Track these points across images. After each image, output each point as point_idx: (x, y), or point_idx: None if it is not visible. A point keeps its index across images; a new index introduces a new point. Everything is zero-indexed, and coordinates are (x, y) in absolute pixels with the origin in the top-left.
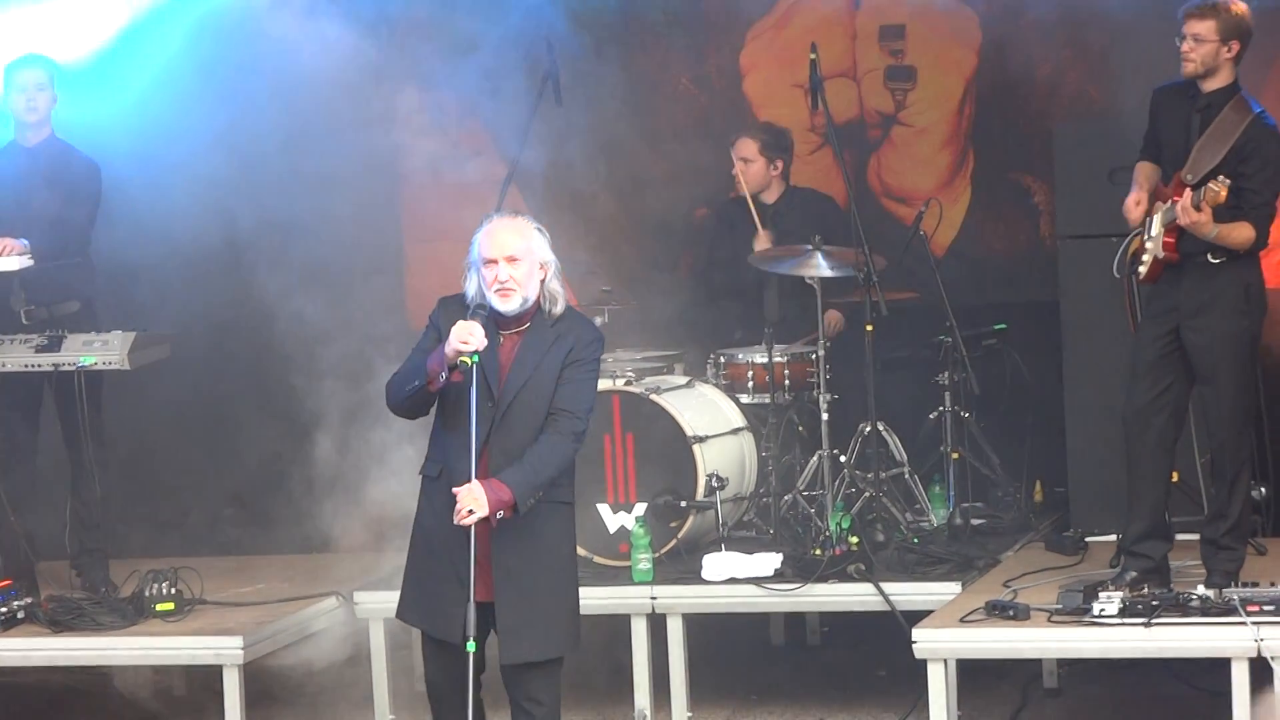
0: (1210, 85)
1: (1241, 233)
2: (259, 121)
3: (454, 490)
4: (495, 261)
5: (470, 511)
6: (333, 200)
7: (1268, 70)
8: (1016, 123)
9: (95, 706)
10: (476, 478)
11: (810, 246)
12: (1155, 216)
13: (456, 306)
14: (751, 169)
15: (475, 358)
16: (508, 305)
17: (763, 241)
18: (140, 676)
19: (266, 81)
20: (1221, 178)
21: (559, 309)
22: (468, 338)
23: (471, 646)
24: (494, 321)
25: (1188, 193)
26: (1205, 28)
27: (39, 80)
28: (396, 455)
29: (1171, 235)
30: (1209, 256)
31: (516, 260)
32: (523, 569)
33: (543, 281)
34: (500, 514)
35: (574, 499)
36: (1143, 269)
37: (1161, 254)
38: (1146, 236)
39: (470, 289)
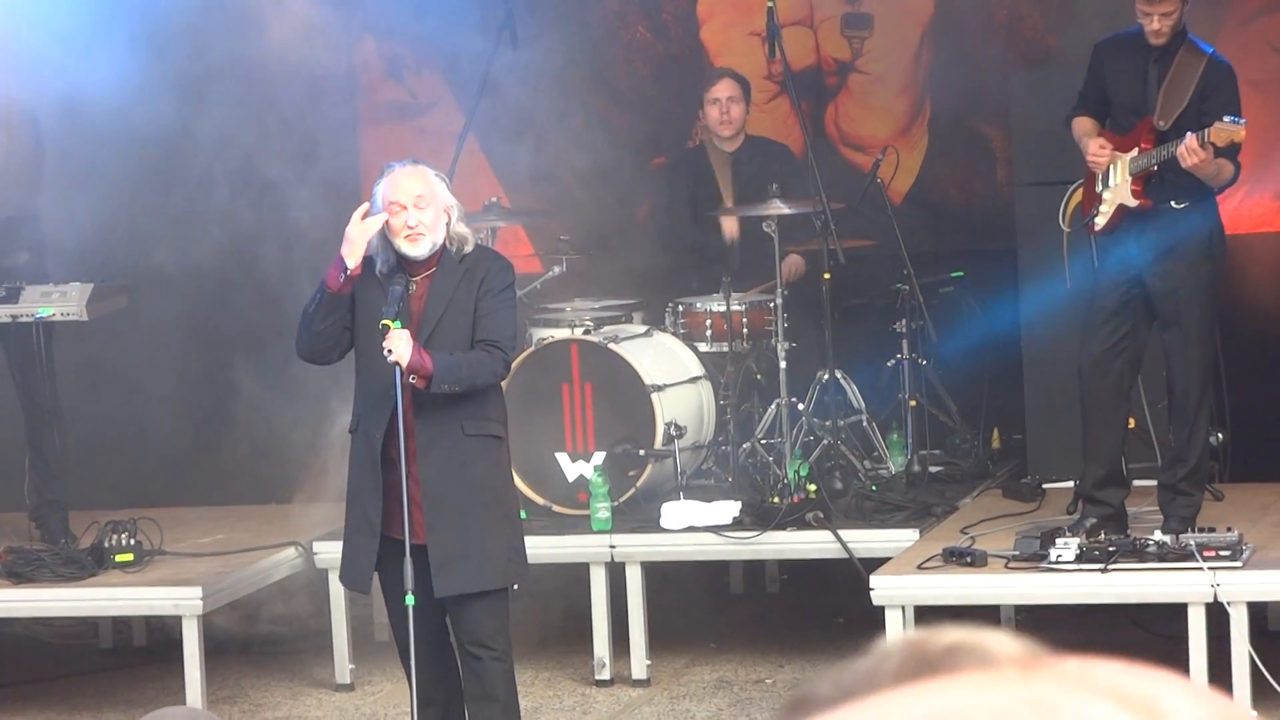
0: None
1: (1228, 169)
2: (207, 68)
3: (388, 334)
4: (403, 207)
5: (390, 351)
6: (287, 151)
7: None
8: (973, 70)
9: (55, 657)
10: (404, 432)
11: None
12: (1116, 165)
13: (364, 264)
14: (735, 109)
15: (398, 323)
16: (417, 249)
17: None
18: (100, 627)
19: (217, 27)
20: (1230, 118)
21: (469, 248)
22: (356, 227)
23: (410, 600)
24: (403, 269)
25: (1191, 136)
26: (1173, 3)
27: None
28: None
29: (1139, 183)
30: (1172, 203)
31: (423, 201)
32: (452, 503)
33: (448, 225)
34: (413, 378)
35: (506, 436)
36: (1100, 219)
37: (1134, 202)
38: (1103, 186)
39: (374, 240)
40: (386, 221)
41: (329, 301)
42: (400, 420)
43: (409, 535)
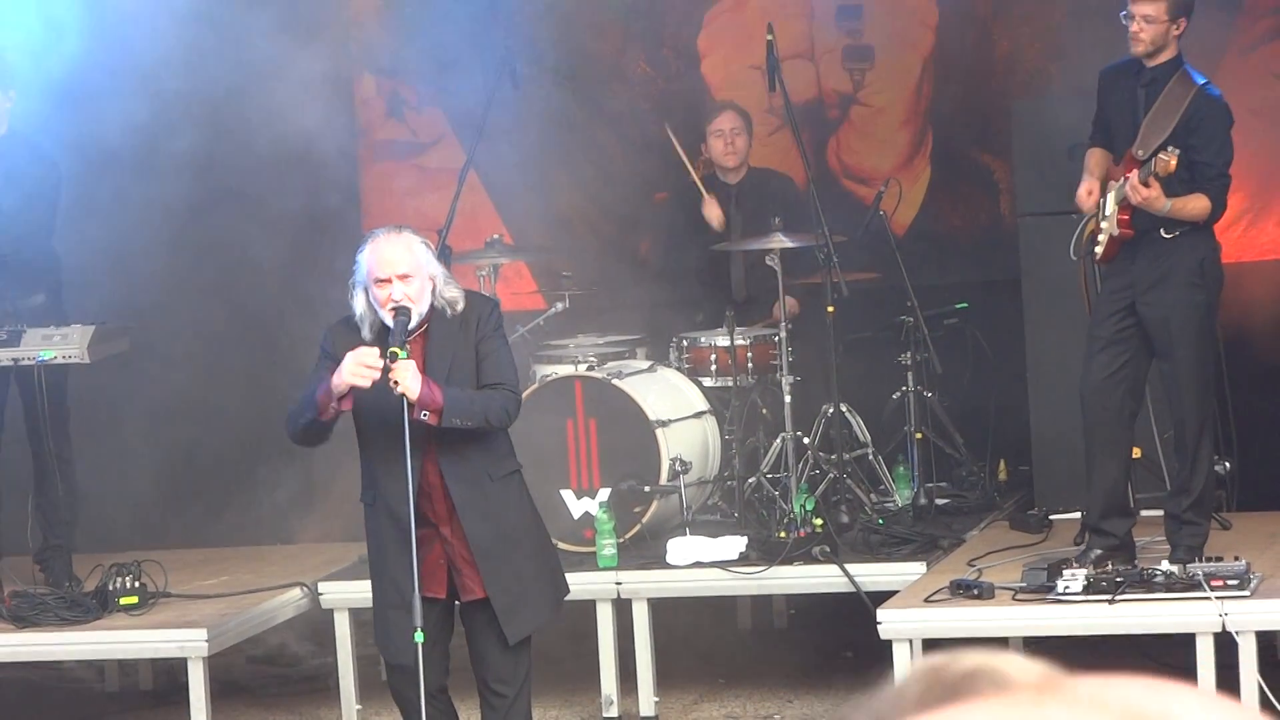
0: (1154, 61)
1: (1197, 204)
2: (210, 107)
3: (394, 365)
4: (388, 281)
5: (396, 383)
6: (290, 187)
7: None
8: (975, 101)
9: (61, 702)
10: (432, 487)
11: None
12: (1108, 195)
13: (347, 329)
14: (739, 141)
15: (405, 352)
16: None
17: (711, 207)
18: (106, 670)
19: (220, 65)
20: (1170, 148)
21: (460, 306)
22: (361, 367)
23: (419, 636)
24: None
25: (1133, 173)
26: (1155, 9)
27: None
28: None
29: (1126, 212)
30: (1162, 231)
31: (408, 277)
32: (500, 552)
33: (433, 291)
34: (425, 415)
35: (519, 463)
36: (1099, 249)
37: (1117, 231)
38: (1101, 216)
39: (359, 307)
40: (373, 293)
41: (320, 427)
42: (411, 473)
43: (474, 587)
